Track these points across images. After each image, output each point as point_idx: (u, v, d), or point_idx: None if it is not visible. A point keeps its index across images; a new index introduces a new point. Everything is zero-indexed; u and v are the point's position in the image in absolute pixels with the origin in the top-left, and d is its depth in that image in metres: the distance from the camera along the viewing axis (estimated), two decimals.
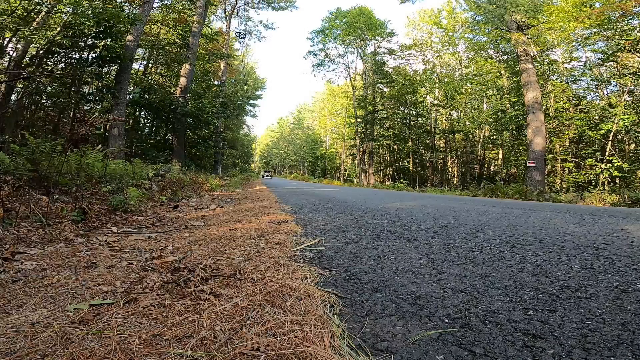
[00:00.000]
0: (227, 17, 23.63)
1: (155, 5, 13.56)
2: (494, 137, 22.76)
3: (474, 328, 0.98)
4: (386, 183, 25.94)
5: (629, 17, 12.14)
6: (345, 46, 28.70)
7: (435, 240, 2.28)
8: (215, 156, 21.80)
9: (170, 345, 0.86)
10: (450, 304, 1.16)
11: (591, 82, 16.36)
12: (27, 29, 8.32)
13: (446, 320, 1.04)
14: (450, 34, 25.55)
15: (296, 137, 59.46)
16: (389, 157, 31.01)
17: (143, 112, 16.92)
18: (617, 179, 12.80)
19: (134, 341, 0.87)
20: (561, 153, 16.26)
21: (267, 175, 47.92)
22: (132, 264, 1.68)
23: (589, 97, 16.88)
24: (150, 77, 17.92)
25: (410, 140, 26.54)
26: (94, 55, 10.17)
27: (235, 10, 23.80)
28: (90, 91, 11.91)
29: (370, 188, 19.15)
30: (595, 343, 0.89)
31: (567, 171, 15.56)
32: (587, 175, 13.92)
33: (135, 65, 15.00)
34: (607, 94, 15.93)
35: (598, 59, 15.28)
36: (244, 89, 33.76)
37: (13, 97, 9.91)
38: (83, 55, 10.29)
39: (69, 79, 10.00)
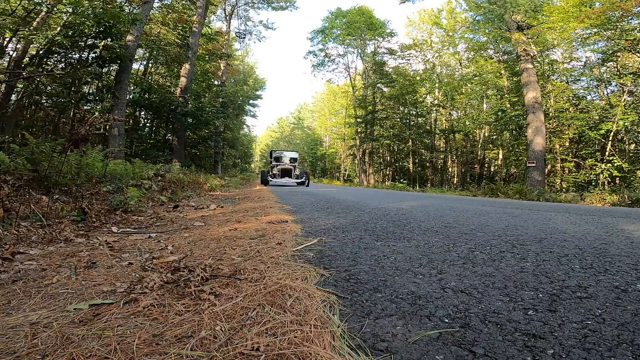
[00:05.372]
0: (227, 17, 23.67)
1: (155, 5, 13.58)
2: (494, 137, 22.75)
3: (474, 328, 0.98)
4: (386, 183, 25.93)
5: (629, 17, 12.14)
6: (345, 46, 28.73)
7: (435, 240, 2.28)
8: (215, 156, 21.83)
9: (170, 345, 0.86)
10: (450, 304, 1.16)
11: (591, 82, 16.37)
12: (27, 29, 8.33)
13: (446, 320, 1.03)
14: (450, 34, 25.56)
15: (296, 137, 59.42)
16: (389, 157, 31.01)
17: (143, 112, 16.95)
18: (617, 179, 12.80)
19: (134, 341, 0.87)
20: (561, 153, 16.25)
21: (292, 181, 14.91)
22: (132, 264, 1.68)
23: (589, 97, 16.89)
24: (150, 77, 17.94)
25: (410, 140, 26.52)
26: (94, 55, 10.19)
27: (235, 10, 23.83)
28: (90, 91, 11.92)
29: (370, 188, 19.15)
30: (595, 343, 0.89)
31: (567, 171, 15.56)
32: (587, 175, 13.92)
33: (135, 65, 15.03)
34: (607, 94, 15.93)
35: (598, 59, 15.28)
36: (244, 89, 33.77)
37: (13, 97, 9.92)
38: (83, 55, 10.30)
39: (69, 79, 10.00)
